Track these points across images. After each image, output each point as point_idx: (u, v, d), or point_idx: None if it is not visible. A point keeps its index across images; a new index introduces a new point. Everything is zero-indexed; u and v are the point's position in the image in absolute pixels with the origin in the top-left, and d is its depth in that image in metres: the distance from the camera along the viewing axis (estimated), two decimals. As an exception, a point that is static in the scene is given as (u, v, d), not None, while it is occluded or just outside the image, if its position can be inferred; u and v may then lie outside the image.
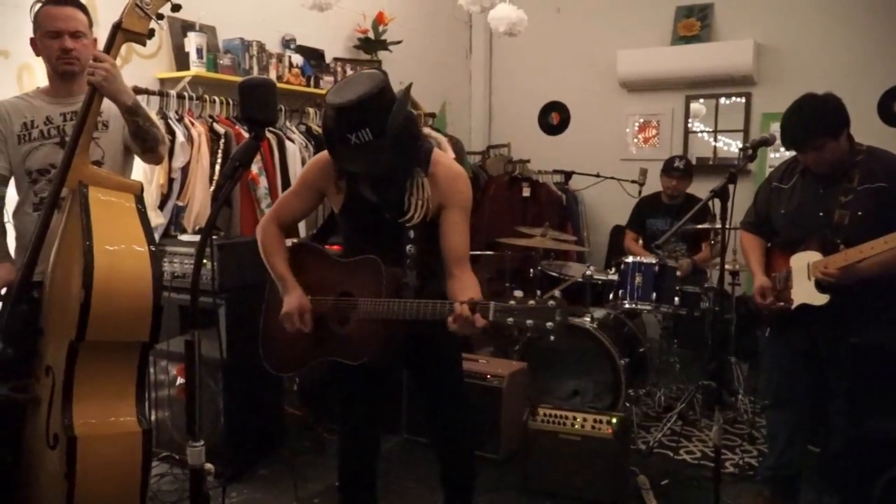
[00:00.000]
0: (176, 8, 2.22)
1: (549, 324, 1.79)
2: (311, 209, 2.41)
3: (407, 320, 2.06)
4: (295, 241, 2.45)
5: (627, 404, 3.89)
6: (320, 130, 4.51)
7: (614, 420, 3.14)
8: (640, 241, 4.84)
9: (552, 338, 1.81)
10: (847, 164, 2.62)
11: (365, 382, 2.36)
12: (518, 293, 1.88)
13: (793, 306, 2.67)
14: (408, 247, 2.19)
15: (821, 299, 2.58)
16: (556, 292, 1.86)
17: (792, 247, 2.72)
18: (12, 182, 2.55)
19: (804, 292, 2.64)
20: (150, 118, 2.42)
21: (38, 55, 2.48)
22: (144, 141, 2.42)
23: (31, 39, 2.46)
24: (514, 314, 1.83)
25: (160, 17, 2.19)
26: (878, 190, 2.55)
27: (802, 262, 2.66)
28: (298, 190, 2.36)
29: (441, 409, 2.45)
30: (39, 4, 2.43)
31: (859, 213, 2.56)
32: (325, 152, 2.23)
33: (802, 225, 2.69)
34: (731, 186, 2.49)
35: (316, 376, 3.95)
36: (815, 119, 2.58)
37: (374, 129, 2.01)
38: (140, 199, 2.25)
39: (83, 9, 2.46)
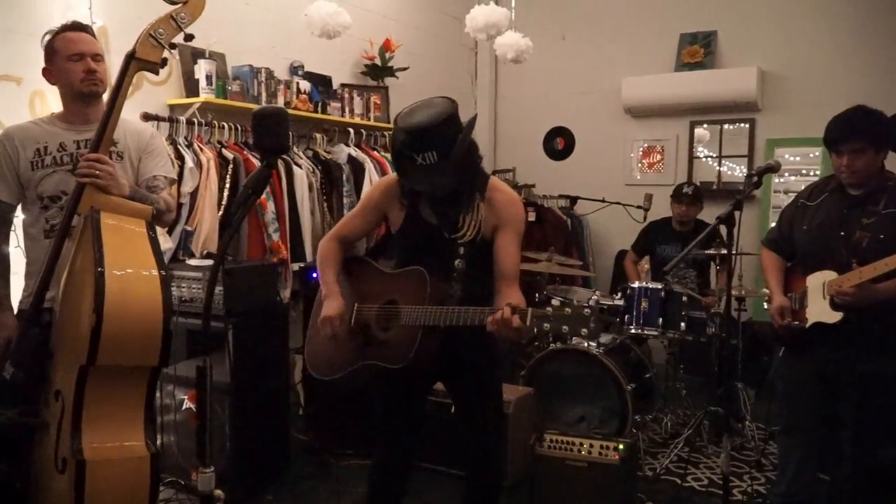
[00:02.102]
0: (189, 38, 2.25)
1: (584, 330, 1.90)
2: (372, 228, 2.56)
3: (446, 329, 2.16)
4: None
5: (634, 430, 3.87)
6: (328, 156, 4.57)
7: (621, 446, 3.12)
8: (647, 266, 4.85)
9: (587, 344, 1.88)
10: (876, 188, 2.63)
11: (405, 396, 2.45)
12: (555, 301, 1.99)
13: (807, 325, 2.67)
14: (456, 262, 2.30)
15: (833, 317, 2.57)
16: (593, 298, 1.98)
17: (810, 266, 2.72)
18: (19, 207, 2.55)
19: (818, 311, 2.64)
20: (147, 197, 2.46)
21: (52, 83, 2.50)
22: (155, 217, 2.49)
23: (45, 69, 2.48)
24: (550, 320, 1.94)
25: (173, 46, 2.22)
26: None
27: (818, 281, 2.66)
28: (362, 210, 2.52)
29: (475, 430, 2.48)
30: (50, 35, 2.45)
31: (881, 236, 2.55)
32: (390, 175, 2.40)
33: (821, 243, 2.70)
34: (737, 213, 2.50)
35: (322, 402, 3.96)
36: (864, 122, 2.60)
37: (440, 153, 2.14)
38: (151, 225, 2.26)
39: (93, 34, 2.51)
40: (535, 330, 1.97)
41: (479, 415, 2.48)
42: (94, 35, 2.51)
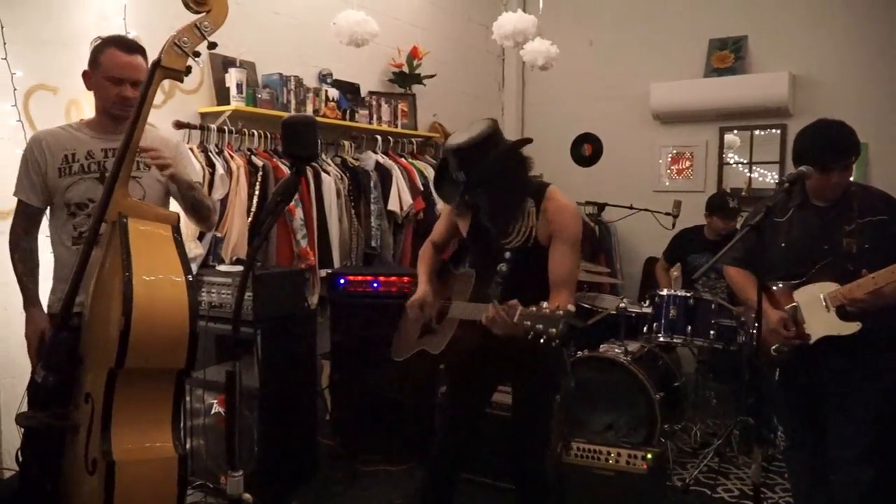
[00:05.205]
0: (212, 46, 2.26)
1: (552, 329, 1.98)
2: (453, 233, 2.75)
3: (477, 327, 2.25)
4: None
5: (662, 439, 3.83)
6: (355, 163, 4.60)
7: (649, 455, 3.09)
8: (675, 273, 4.80)
9: (554, 343, 2.00)
10: (842, 197, 2.59)
11: (467, 388, 2.66)
12: (545, 304, 2.06)
13: (811, 341, 2.58)
14: (500, 265, 2.46)
15: (850, 328, 2.49)
16: (571, 306, 2.06)
17: (792, 282, 2.65)
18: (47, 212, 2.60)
19: (825, 324, 2.55)
20: (203, 192, 2.62)
21: (89, 89, 2.53)
22: (199, 211, 2.60)
23: (85, 72, 2.51)
24: (529, 318, 2.03)
25: (197, 54, 2.24)
26: (880, 223, 2.52)
27: (813, 295, 2.58)
28: (442, 217, 2.81)
29: (518, 435, 2.59)
30: (100, 40, 2.48)
31: (866, 245, 2.52)
32: None
33: (804, 258, 2.62)
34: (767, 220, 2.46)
35: (349, 408, 3.97)
36: (848, 138, 2.56)
37: (467, 172, 2.37)
38: (177, 229, 2.30)
39: (144, 54, 2.51)
40: (524, 325, 2.04)
41: (525, 423, 2.58)
42: (144, 53, 2.51)
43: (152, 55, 2.23)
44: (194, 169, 2.73)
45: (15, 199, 2.59)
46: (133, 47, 2.49)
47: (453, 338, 2.38)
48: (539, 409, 2.59)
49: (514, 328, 2.07)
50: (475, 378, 2.62)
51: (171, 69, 2.21)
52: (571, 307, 2.04)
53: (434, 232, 2.82)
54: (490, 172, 2.35)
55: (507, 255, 2.45)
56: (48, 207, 2.58)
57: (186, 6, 2.19)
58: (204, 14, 2.21)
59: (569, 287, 2.38)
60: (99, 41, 2.51)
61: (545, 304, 2.04)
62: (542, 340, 1.99)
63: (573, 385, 3.79)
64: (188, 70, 2.26)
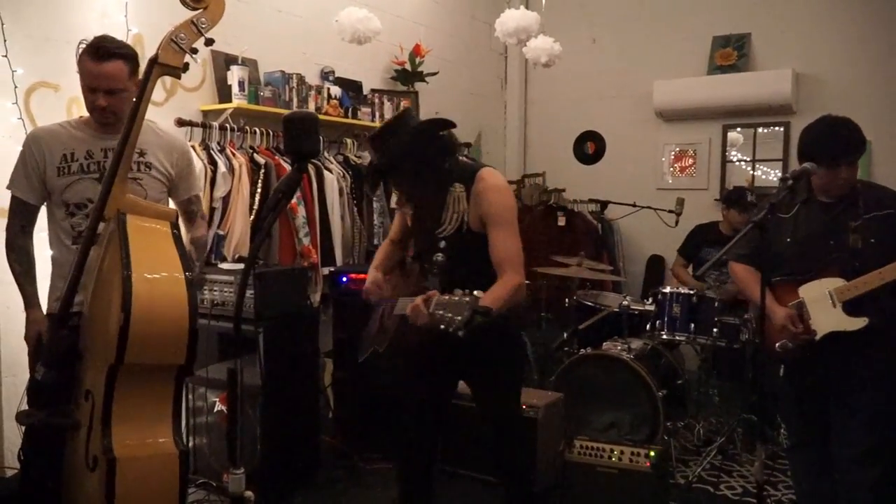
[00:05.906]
0: (209, 42, 2.25)
1: (458, 318, 1.94)
2: (405, 229, 2.72)
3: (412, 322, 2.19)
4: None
5: (665, 437, 3.82)
6: (358, 161, 4.60)
7: (652, 453, 3.08)
8: (689, 269, 4.80)
9: (460, 333, 1.94)
10: (847, 193, 2.59)
11: (426, 391, 2.60)
12: (459, 291, 2.01)
13: (817, 337, 2.57)
14: (435, 255, 2.42)
15: (857, 324, 2.50)
16: (477, 292, 2.00)
17: (801, 277, 2.64)
18: (44, 210, 2.59)
19: (832, 321, 2.54)
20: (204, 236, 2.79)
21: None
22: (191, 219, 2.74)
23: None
24: (441, 307, 2.00)
25: (194, 51, 2.23)
26: (886, 217, 2.52)
27: (819, 291, 2.57)
28: (397, 215, 2.80)
29: (494, 433, 2.54)
30: (82, 46, 2.43)
31: (872, 240, 2.51)
32: None
33: (811, 254, 2.62)
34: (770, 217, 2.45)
35: (352, 405, 3.97)
36: (854, 136, 2.55)
37: (385, 157, 2.38)
38: (175, 225, 2.29)
39: (125, 56, 2.42)
40: (437, 314, 2.01)
41: (493, 417, 2.55)
42: (124, 56, 2.42)
43: (152, 52, 2.22)
44: (198, 183, 2.74)
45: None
46: (105, 54, 2.37)
47: (395, 334, 2.36)
48: (503, 401, 2.54)
49: (431, 318, 2.02)
50: (426, 374, 2.56)
51: (167, 65, 2.20)
52: (479, 293, 1.98)
53: (391, 229, 2.82)
54: (395, 154, 2.33)
55: (442, 244, 2.40)
56: (45, 205, 2.57)
57: (184, 3, 2.18)
58: (201, 10, 2.20)
59: (513, 265, 2.30)
60: (82, 46, 2.45)
61: (459, 291, 1.99)
62: (450, 330, 1.93)
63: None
64: (186, 67, 2.25)
